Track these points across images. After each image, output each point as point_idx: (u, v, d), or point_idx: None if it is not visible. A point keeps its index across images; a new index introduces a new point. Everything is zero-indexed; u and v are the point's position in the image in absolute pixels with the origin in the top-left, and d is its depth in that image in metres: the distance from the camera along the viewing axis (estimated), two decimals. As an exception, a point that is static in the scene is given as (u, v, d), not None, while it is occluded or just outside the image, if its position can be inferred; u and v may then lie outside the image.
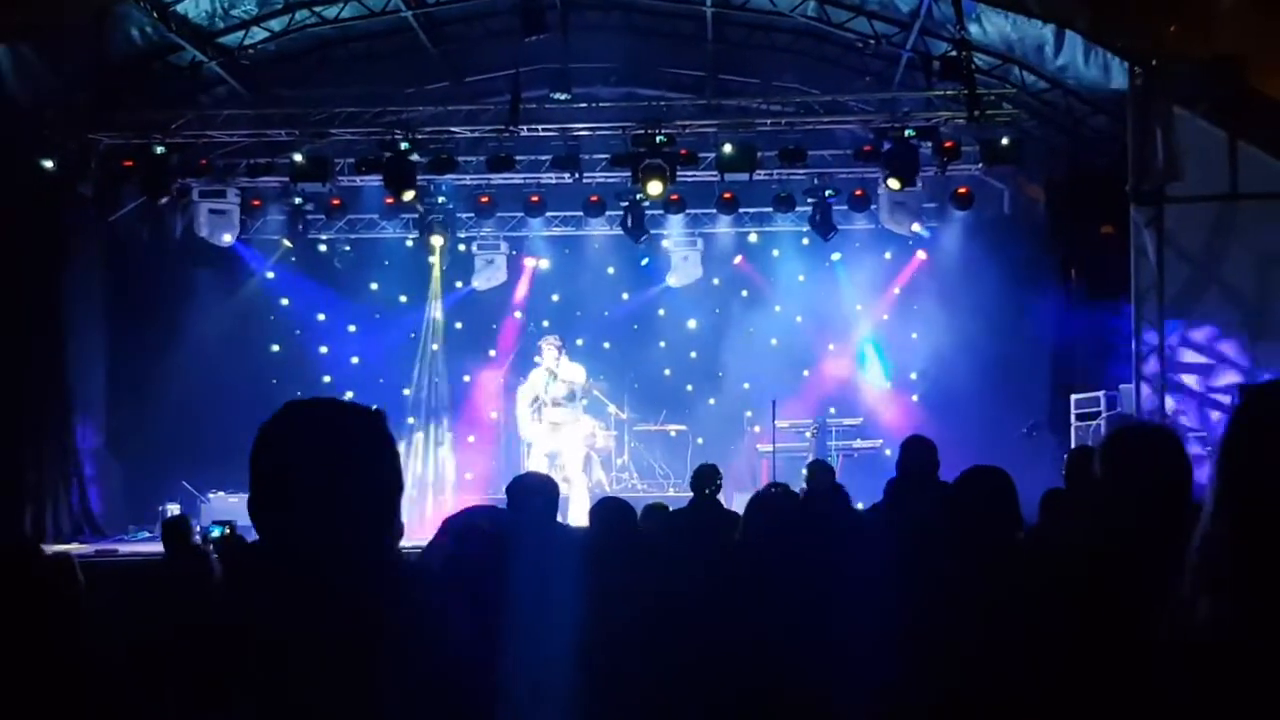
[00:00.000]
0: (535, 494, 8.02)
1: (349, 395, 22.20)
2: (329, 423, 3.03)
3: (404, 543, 9.92)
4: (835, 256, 23.71)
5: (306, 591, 2.87)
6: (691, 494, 11.97)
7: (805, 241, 22.79)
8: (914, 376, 23.45)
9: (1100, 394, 18.16)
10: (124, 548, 18.05)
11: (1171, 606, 2.83)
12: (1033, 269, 20.97)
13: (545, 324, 23.20)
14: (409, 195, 20.24)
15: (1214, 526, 2.73)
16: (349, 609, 2.88)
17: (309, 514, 2.90)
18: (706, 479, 11.76)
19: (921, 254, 23.07)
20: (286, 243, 22.46)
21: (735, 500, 16.81)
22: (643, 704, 6.24)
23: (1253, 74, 15.87)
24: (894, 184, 19.79)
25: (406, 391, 23.83)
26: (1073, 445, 17.95)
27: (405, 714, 2.95)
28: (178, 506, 19.77)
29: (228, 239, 21.89)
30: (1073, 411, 18.73)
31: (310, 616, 2.84)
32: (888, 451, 20.70)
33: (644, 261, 24.04)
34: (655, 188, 19.76)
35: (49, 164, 19.21)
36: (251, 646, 2.81)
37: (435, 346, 23.86)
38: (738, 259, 24.25)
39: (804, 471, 19.71)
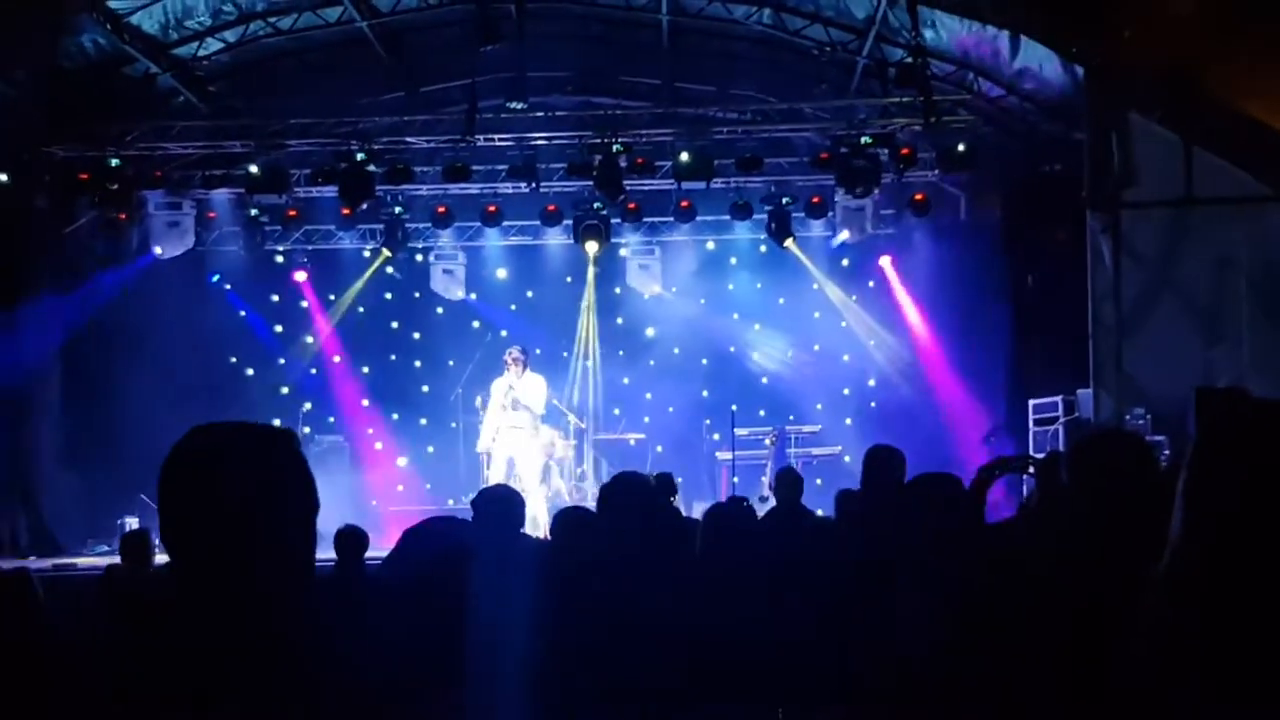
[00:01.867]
0: (499, 505, 8.00)
1: (307, 407, 22.17)
2: (234, 447, 2.96)
3: (367, 553, 9.85)
4: (794, 262, 23.68)
5: (219, 622, 2.83)
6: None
7: (763, 249, 22.81)
8: (871, 383, 23.49)
9: (1058, 399, 18.22)
10: (81, 562, 17.92)
11: (1142, 616, 2.84)
12: (990, 275, 21.01)
13: (504, 334, 23.14)
14: (351, 207, 20.27)
15: (1183, 536, 2.73)
16: (262, 639, 2.84)
17: (216, 542, 2.83)
18: (662, 489, 11.78)
19: (884, 260, 23.07)
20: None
21: (695, 508, 16.79)
22: (601, 710, 6.23)
23: (1207, 79, 15.96)
24: (860, 191, 19.85)
25: (365, 403, 23.81)
26: (1031, 450, 18.04)
27: None
28: (136, 520, 19.65)
29: (184, 250, 21.76)
30: (1031, 417, 18.79)
31: (224, 649, 2.80)
32: (847, 458, 20.75)
33: (599, 270, 23.91)
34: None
35: (3, 177, 19.08)
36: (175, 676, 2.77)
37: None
38: (688, 266, 24.21)
39: (764, 479, 19.94)
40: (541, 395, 19.49)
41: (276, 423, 19.46)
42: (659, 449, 22.99)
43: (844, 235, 21.94)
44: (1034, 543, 5.26)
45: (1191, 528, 2.71)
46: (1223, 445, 2.73)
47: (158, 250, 21.62)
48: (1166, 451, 15.00)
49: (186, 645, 2.80)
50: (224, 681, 2.76)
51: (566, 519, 8.14)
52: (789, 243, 21.88)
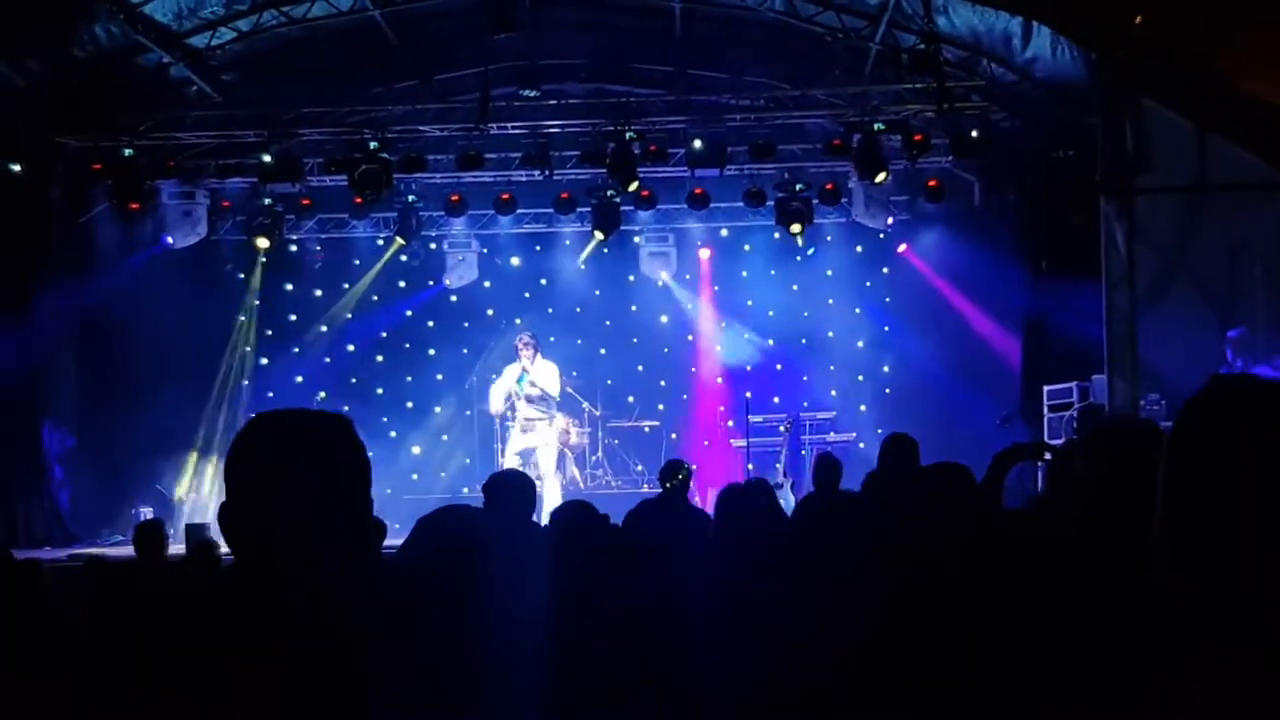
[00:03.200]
0: (511, 492, 8.00)
1: (321, 396, 22.19)
2: (297, 433, 3.04)
3: (384, 542, 9.86)
4: (808, 251, 23.66)
5: (283, 607, 2.87)
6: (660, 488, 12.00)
7: (776, 236, 22.76)
8: (886, 369, 23.47)
9: (1073, 385, 18.19)
10: (96, 552, 17.95)
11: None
12: (1004, 261, 20.97)
13: (517, 321, 23.15)
14: (366, 195, 20.27)
15: (1160, 522, 2.75)
16: (327, 621, 2.89)
17: (282, 526, 2.90)
18: (670, 473, 11.81)
19: (901, 246, 23.05)
20: (262, 243, 22.25)
21: (710, 495, 16.81)
22: (614, 696, 6.24)
23: (1221, 65, 15.92)
24: (880, 177, 19.83)
25: (380, 391, 23.85)
26: (1045, 436, 18.02)
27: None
28: (150, 510, 19.73)
29: (198, 239, 21.80)
30: (1045, 402, 18.77)
31: (289, 632, 2.84)
32: (862, 444, 20.76)
33: (613, 257, 23.93)
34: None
35: (16, 168, 19.11)
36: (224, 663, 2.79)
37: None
38: (708, 253, 24.19)
39: (779, 466, 19.94)
40: (556, 381, 19.53)
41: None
42: (674, 436, 23.02)
43: (858, 221, 21.92)
44: (1047, 532, 5.25)
45: (1167, 515, 2.72)
46: (1197, 428, 2.73)
47: (170, 240, 21.66)
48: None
49: (244, 632, 2.83)
50: (279, 669, 2.80)
51: (564, 514, 8.16)
52: (803, 229, 21.84)
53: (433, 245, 23.79)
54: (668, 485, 11.77)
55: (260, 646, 2.81)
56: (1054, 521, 5.30)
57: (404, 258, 23.69)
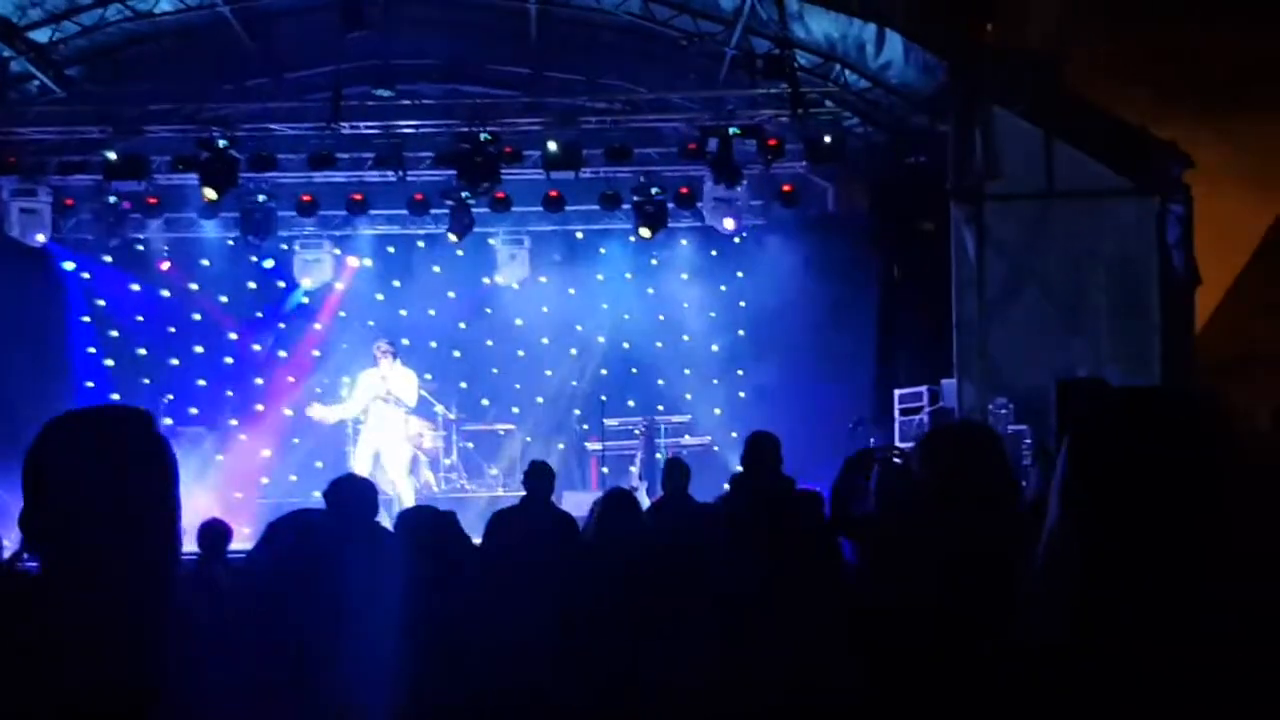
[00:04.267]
0: (353, 495, 7.91)
1: (168, 399, 21.83)
2: (96, 431, 2.98)
3: (232, 546, 9.74)
4: (660, 255, 23.68)
5: (84, 606, 2.79)
6: (525, 492, 11.88)
7: (632, 239, 22.75)
8: (740, 374, 23.53)
9: (924, 389, 18.40)
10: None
11: (1019, 609, 2.84)
12: (857, 265, 21.16)
13: (370, 324, 22.94)
14: (213, 194, 20.01)
15: (1059, 528, 2.73)
16: (133, 622, 2.82)
17: (82, 527, 2.83)
18: (535, 475, 11.69)
19: (752, 249, 23.15)
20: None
21: (565, 500, 16.75)
22: (471, 708, 6.17)
23: (1069, 73, 16.19)
24: (735, 182, 19.92)
25: (229, 393, 23.50)
26: (897, 439, 18.18)
27: None
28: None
29: (40, 239, 21.34)
30: (897, 406, 18.95)
31: (90, 631, 2.77)
32: (716, 448, 20.82)
33: (463, 256, 23.77)
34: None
35: None
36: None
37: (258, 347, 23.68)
38: (556, 256, 24.14)
39: (633, 469, 19.96)
40: (413, 387, 19.38)
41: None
42: (528, 439, 22.93)
43: (713, 225, 21.99)
44: (892, 535, 5.28)
45: (1069, 522, 2.70)
46: (1093, 437, 2.73)
47: (14, 236, 21.16)
48: (1028, 441, 15.20)
49: (47, 636, 2.76)
50: (85, 670, 2.73)
51: (410, 519, 8.10)
52: (658, 233, 21.87)
53: (284, 246, 23.46)
54: (532, 488, 11.66)
55: (52, 647, 2.74)
56: (889, 526, 5.34)
57: (253, 258, 23.39)
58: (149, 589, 2.87)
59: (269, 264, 23.75)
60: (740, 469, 9.62)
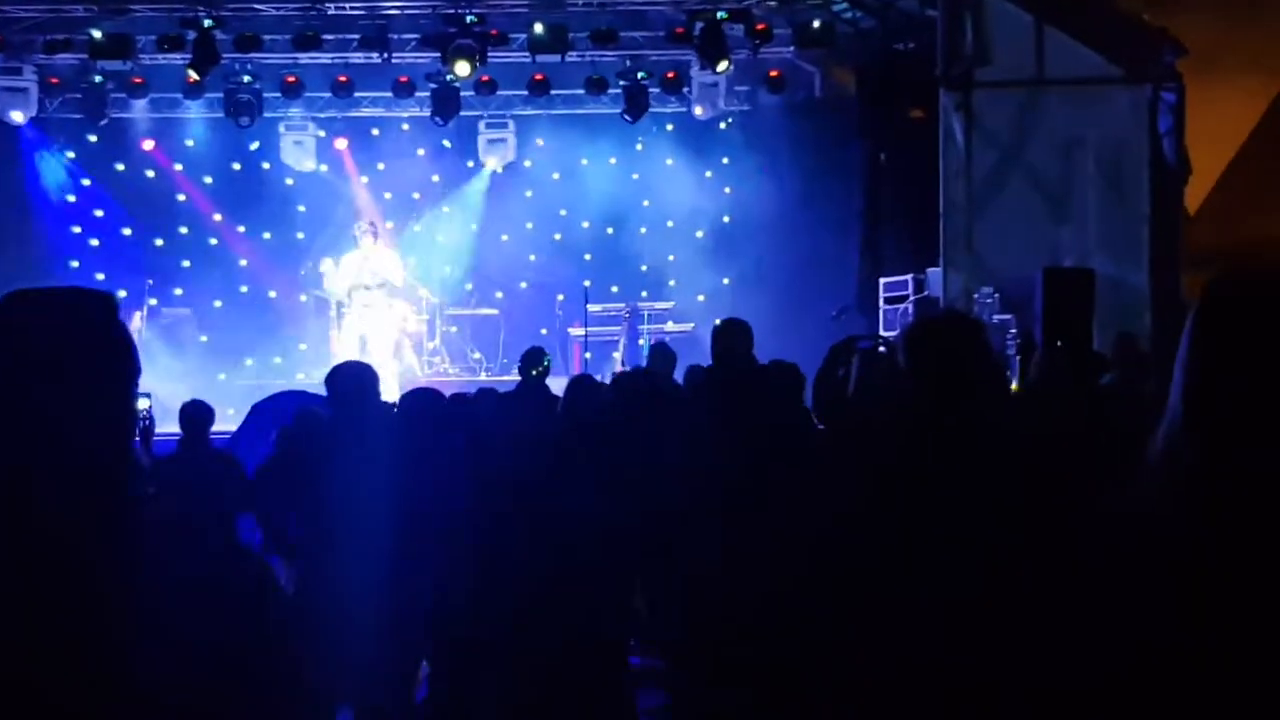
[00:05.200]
0: (355, 383, 7.89)
1: (150, 283, 21.77)
2: (44, 311, 2.89)
3: (215, 428, 9.69)
4: (645, 140, 23.58)
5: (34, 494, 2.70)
6: (519, 377, 11.88)
7: (617, 124, 22.62)
8: (724, 260, 23.47)
9: (909, 278, 18.38)
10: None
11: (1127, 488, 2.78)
12: (843, 153, 21.06)
13: (354, 207, 22.86)
14: (197, 75, 19.88)
15: (1181, 422, 2.65)
16: (80, 512, 2.73)
17: (34, 411, 2.76)
18: (533, 361, 11.70)
19: (737, 135, 23.06)
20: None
21: (552, 384, 16.74)
22: (476, 584, 6.19)
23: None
24: (722, 66, 19.80)
25: (213, 274, 23.45)
26: (881, 328, 18.19)
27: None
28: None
29: (20, 118, 21.20)
30: (881, 295, 18.94)
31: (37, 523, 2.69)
32: (699, 335, 20.79)
33: (446, 143, 23.71)
34: (463, 69, 19.63)
35: None
36: None
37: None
38: (541, 141, 24.01)
39: (616, 355, 19.98)
40: (399, 266, 19.37)
41: (122, 294, 19.13)
42: (510, 324, 22.90)
43: (699, 110, 21.87)
44: (863, 427, 5.27)
45: (1190, 402, 2.64)
46: (1223, 328, 2.64)
47: (-1, 115, 21.08)
48: (1014, 330, 15.20)
49: None
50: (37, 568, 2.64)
51: (414, 400, 8.08)
52: (642, 118, 21.77)
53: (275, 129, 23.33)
54: (532, 374, 11.66)
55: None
56: (871, 415, 5.33)
57: (238, 139, 23.25)
58: (99, 480, 2.79)
59: (254, 146, 23.59)
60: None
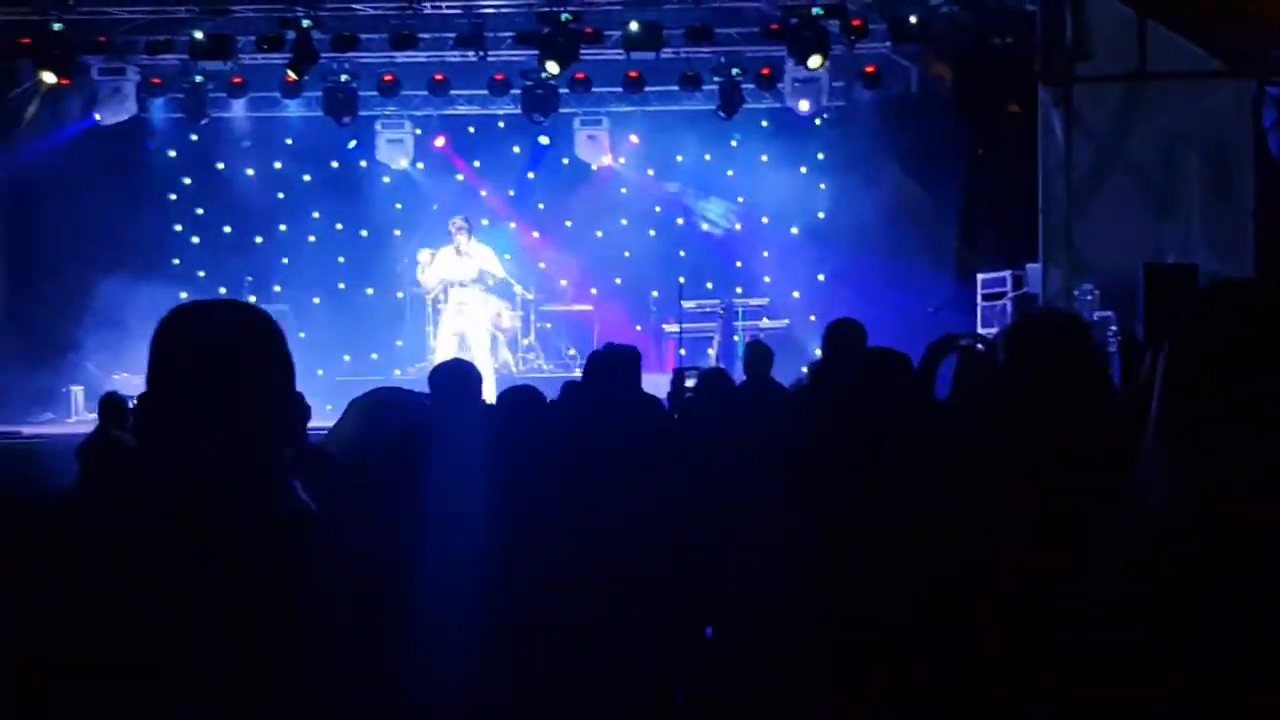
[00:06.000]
0: (459, 381, 7.89)
1: (249, 279, 22.00)
2: (220, 321, 3.05)
3: (311, 423, 9.74)
4: (740, 136, 23.53)
5: (195, 489, 2.84)
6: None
7: (712, 121, 22.59)
8: (819, 257, 23.39)
9: (1007, 274, 18.24)
10: (27, 429, 17.84)
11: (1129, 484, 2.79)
12: (940, 148, 20.95)
13: (449, 204, 22.94)
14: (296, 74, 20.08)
15: (1166, 411, 2.67)
16: (242, 507, 2.87)
17: (201, 417, 2.89)
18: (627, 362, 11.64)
19: (832, 132, 22.94)
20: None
21: (644, 382, 16.72)
22: (568, 583, 6.18)
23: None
24: (813, 62, 19.69)
25: (312, 271, 23.64)
26: (979, 325, 18.06)
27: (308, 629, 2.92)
28: (82, 389, 19.68)
29: (123, 118, 21.48)
30: (979, 291, 18.81)
31: (197, 515, 2.81)
32: (794, 331, 20.72)
33: (545, 140, 23.76)
34: (554, 67, 19.72)
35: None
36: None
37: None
38: (635, 138, 24.00)
39: (710, 352, 19.95)
40: (494, 261, 19.44)
41: (222, 291, 19.32)
42: (605, 320, 22.92)
43: (804, 105, 21.79)
44: (969, 425, 5.20)
45: (1175, 391, 2.65)
46: (1215, 320, 2.67)
47: (99, 117, 21.34)
48: (1114, 327, 15.03)
49: (158, 508, 2.82)
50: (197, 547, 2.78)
51: (514, 398, 8.05)
52: (737, 114, 21.73)
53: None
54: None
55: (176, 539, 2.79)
56: (974, 418, 5.26)
57: (336, 138, 23.43)
58: (263, 484, 2.93)
59: (351, 144, 23.77)
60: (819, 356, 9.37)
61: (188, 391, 2.91)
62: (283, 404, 3.06)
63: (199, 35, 19.84)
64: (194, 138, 23.18)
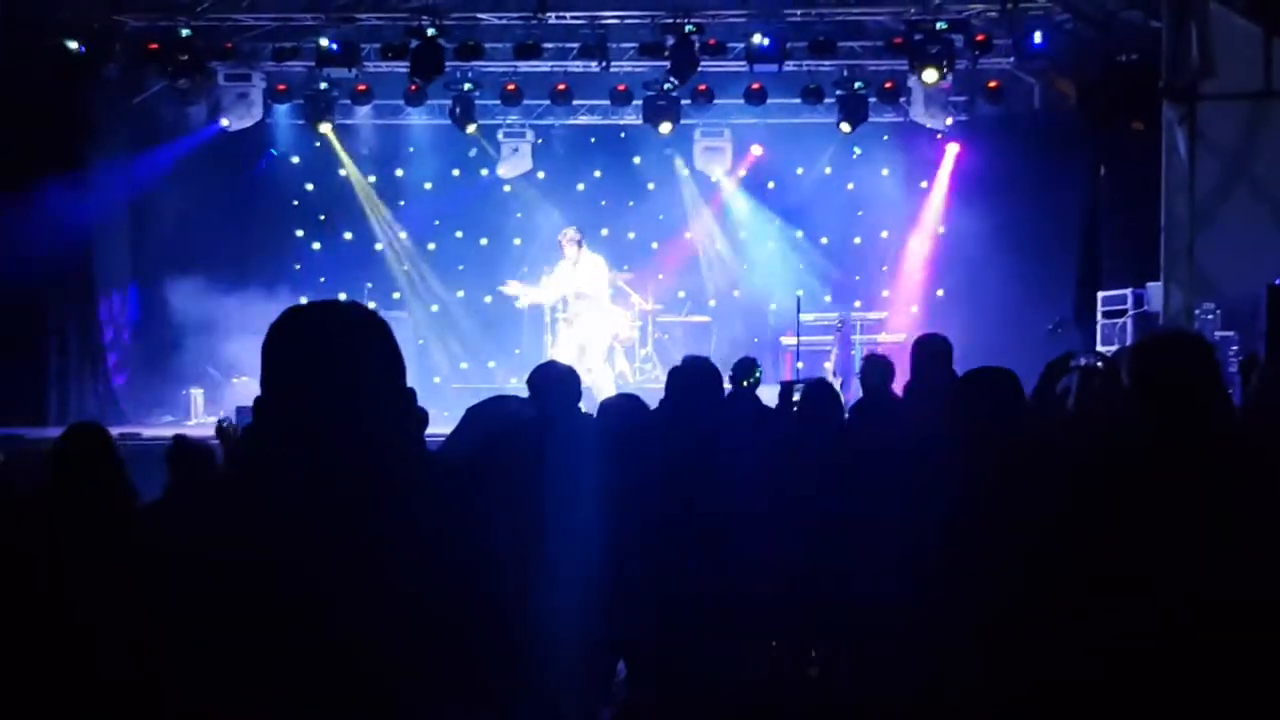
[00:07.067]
0: (557, 384, 7.98)
1: (369, 286, 22.26)
2: (333, 321, 3.14)
3: (429, 430, 9.86)
4: (863, 146, 23.49)
5: (324, 485, 2.93)
6: (730, 386, 11.89)
7: (833, 134, 22.56)
8: (938, 272, 23.33)
9: (1128, 292, 18.08)
10: (147, 431, 18.11)
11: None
12: (1062, 165, 20.83)
13: (569, 214, 23.03)
14: (421, 82, 20.33)
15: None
16: (367, 501, 2.95)
17: (313, 411, 2.98)
18: (746, 371, 11.71)
19: (953, 147, 22.88)
20: (327, 130, 22.39)
21: (761, 393, 16.74)
22: (675, 588, 6.25)
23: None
24: (929, 76, 19.69)
25: (430, 279, 23.85)
26: (1099, 343, 17.95)
27: (432, 607, 2.98)
28: (201, 391, 19.95)
29: (248, 124, 21.83)
30: (1099, 309, 18.66)
31: (331, 513, 2.90)
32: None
33: (668, 152, 23.89)
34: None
35: (74, 45, 19.13)
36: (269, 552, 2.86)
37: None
38: (761, 149, 24.01)
39: (828, 365, 19.94)
40: (602, 276, 19.47)
41: (342, 297, 19.53)
42: (722, 332, 22.97)
43: (916, 121, 21.74)
44: (1090, 444, 5.21)
45: None
46: None
47: (224, 122, 21.69)
48: (1235, 347, 14.88)
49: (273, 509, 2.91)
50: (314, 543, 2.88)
51: (614, 408, 8.11)
52: (859, 128, 21.70)
53: (485, 138, 23.68)
54: (744, 384, 11.66)
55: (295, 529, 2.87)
56: (1095, 432, 5.27)
57: (457, 146, 23.66)
58: (367, 474, 2.97)
59: (472, 153, 23.99)
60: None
61: (301, 389, 2.99)
62: (395, 400, 3.12)
63: (324, 42, 20.10)
64: (317, 144, 23.44)
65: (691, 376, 7.79)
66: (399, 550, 2.94)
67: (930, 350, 8.91)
